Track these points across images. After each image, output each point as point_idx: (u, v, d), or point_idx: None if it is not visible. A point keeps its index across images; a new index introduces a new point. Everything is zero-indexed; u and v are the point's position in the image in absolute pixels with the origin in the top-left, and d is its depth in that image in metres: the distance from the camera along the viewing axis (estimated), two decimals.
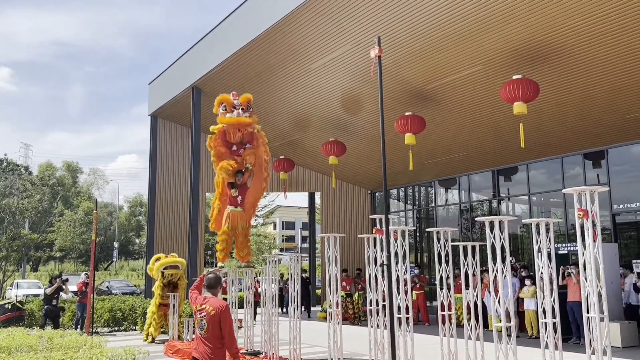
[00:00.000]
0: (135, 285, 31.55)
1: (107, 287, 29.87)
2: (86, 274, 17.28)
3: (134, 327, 15.71)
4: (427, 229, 9.67)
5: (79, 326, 15.23)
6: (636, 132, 13.72)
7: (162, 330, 13.71)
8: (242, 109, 10.29)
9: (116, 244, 53.34)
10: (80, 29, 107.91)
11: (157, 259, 13.89)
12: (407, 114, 13.11)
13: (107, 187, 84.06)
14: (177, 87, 17.22)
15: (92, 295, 14.17)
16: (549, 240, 6.02)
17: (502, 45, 10.72)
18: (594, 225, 5.27)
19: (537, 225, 6.09)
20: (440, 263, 7.51)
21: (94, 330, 14.02)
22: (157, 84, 19.35)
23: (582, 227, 5.38)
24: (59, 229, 50.27)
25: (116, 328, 15.89)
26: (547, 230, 6.05)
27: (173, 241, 19.42)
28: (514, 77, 10.74)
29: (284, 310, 19.88)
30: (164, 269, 13.48)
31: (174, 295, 13.06)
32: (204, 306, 5.10)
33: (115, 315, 15.77)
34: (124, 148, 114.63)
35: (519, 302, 13.27)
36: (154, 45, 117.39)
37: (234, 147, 10.53)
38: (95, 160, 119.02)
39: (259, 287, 16.33)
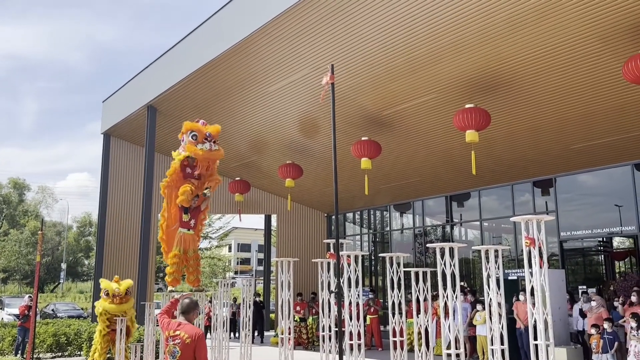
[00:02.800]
0: (82, 309, 30.43)
1: (53, 310, 28.67)
2: (30, 296, 16.52)
3: (78, 353, 15.09)
4: (381, 254, 9.72)
5: (19, 352, 14.51)
6: (582, 162, 14.27)
7: (108, 356, 13.18)
8: (214, 141, 9.76)
9: (64, 265, 51.45)
10: (36, 42, 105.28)
11: (105, 290, 12.80)
12: (363, 138, 13.25)
13: (56, 206, 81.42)
14: (132, 105, 16.93)
15: (34, 318, 13.55)
16: (498, 267, 6.13)
17: (454, 75, 11.01)
18: (540, 252, 5.40)
19: (487, 252, 6.20)
20: (392, 288, 7.54)
21: (35, 357, 13.39)
22: (112, 101, 18.98)
23: (529, 254, 5.50)
24: (3, 249, 48.21)
25: (60, 354, 15.22)
26: (496, 257, 6.16)
27: (123, 263, 18.87)
28: (467, 106, 11.02)
29: (236, 335, 19.51)
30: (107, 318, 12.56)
31: (122, 320, 12.59)
32: (178, 332, 4.79)
33: (59, 340, 15.12)
34: (75, 166, 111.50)
35: (471, 327, 13.42)
36: (111, 62, 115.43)
37: (188, 170, 10.04)
38: (45, 178, 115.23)
39: (210, 311, 15.99)
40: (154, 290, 21.56)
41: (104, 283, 12.16)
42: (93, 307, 18.92)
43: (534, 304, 5.53)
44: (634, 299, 11.72)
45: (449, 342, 6.29)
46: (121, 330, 12.35)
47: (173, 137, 17.56)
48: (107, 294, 11.67)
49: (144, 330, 13.46)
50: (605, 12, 8.63)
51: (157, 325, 9.46)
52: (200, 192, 9.85)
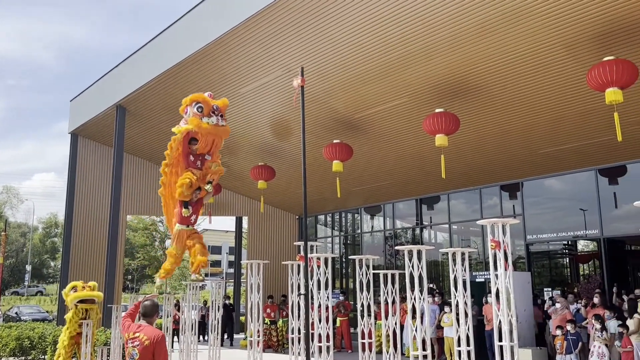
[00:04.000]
0: (47, 312, 29.78)
1: (17, 313, 27.99)
2: None
3: (42, 357, 14.75)
4: (350, 256, 9.76)
5: None
6: (548, 167, 14.58)
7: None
8: (221, 115, 8.71)
9: (29, 267, 50.24)
10: (5, 40, 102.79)
11: (74, 288, 12.97)
12: (335, 141, 13.31)
13: (22, 207, 79.38)
14: (100, 105, 16.66)
15: None
16: (465, 270, 6.23)
17: (425, 80, 11.15)
18: (505, 255, 5.51)
19: (454, 255, 6.29)
20: (362, 291, 7.59)
21: None
22: (80, 100, 18.64)
23: (494, 257, 5.60)
24: None
25: (23, 358, 14.85)
26: (463, 260, 6.26)
27: (90, 265, 18.54)
28: (436, 110, 11.15)
29: (206, 338, 19.35)
30: (79, 302, 12.59)
31: (87, 323, 12.38)
32: (137, 335, 4.70)
33: (22, 344, 14.76)
34: (42, 165, 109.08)
35: (439, 328, 13.57)
36: (83, 61, 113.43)
37: (192, 157, 8.99)
38: (10, 178, 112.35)
39: (178, 314, 15.79)
40: (122, 292, 21.24)
41: (69, 285, 12.11)
42: (59, 309, 18.55)
43: (499, 306, 5.63)
44: (596, 300, 12.02)
45: (415, 344, 6.36)
46: (86, 334, 12.17)
47: (142, 137, 17.42)
48: (76, 290, 11.69)
49: (110, 333, 13.25)
50: (571, 21, 8.85)
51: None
52: (202, 184, 8.93)
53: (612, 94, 8.74)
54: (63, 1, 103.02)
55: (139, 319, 4.97)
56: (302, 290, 7.30)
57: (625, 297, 12.25)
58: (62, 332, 13.30)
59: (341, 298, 16.93)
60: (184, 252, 9.11)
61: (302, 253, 7.88)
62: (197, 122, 8.34)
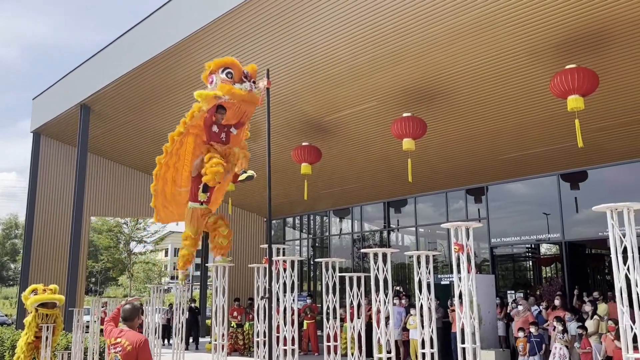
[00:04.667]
0: (6, 315, 28.93)
1: None
2: None
3: None
4: (317, 259, 9.76)
5: None
6: (512, 171, 14.86)
7: None
8: (254, 82, 7.69)
9: None
10: None
11: (34, 291, 12.57)
12: (304, 144, 13.29)
13: None
14: (64, 104, 16.29)
15: None
16: (429, 273, 6.28)
17: (393, 85, 11.24)
18: (468, 258, 5.57)
19: (419, 257, 6.35)
20: (327, 293, 7.58)
21: None
22: (43, 99, 18.20)
23: (458, 260, 5.67)
24: None
25: None
26: (428, 263, 6.31)
27: (52, 267, 18.08)
28: (404, 114, 11.25)
29: (171, 341, 19.06)
30: (39, 305, 12.21)
31: (47, 327, 12.05)
32: (119, 340, 4.60)
33: None
34: (2, 165, 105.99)
35: (405, 331, 13.67)
36: (47, 59, 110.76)
37: (215, 128, 7.81)
38: None
39: (141, 318, 15.48)
40: (84, 295, 20.78)
41: (29, 288, 11.76)
42: (18, 313, 18.02)
43: (462, 309, 5.69)
44: (557, 302, 12.29)
45: (380, 347, 6.39)
46: (47, 337, 11.85)
47: (107, 137, 17.09)
48: (36, 293, 11.32)
49: (72, 337, 12.94)
50: (536, 29, 9.04)
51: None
52: (229, 167, 7.91)
53: (574, 101, 8.95)
54: None
55: (121, 323, 4.87)
56: (266, 294, 7.24)
57: (585, 299, 12.55)
58: (20, 337, 12.95)
59: (308, 301, 16.90)
60: (201, 233, 8.20)
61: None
62: (229, 89, 7.29)
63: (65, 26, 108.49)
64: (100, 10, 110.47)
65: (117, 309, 5.13)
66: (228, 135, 7.96)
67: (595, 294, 12.47)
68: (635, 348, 4.67)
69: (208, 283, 24.85)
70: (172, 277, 53.61)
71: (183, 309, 9.58)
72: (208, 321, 22.57)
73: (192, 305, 19.73)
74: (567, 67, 9.04)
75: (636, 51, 9.18)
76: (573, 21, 8.69)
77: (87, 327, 13.95)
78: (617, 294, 4.63)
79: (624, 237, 4.62)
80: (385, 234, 18.86)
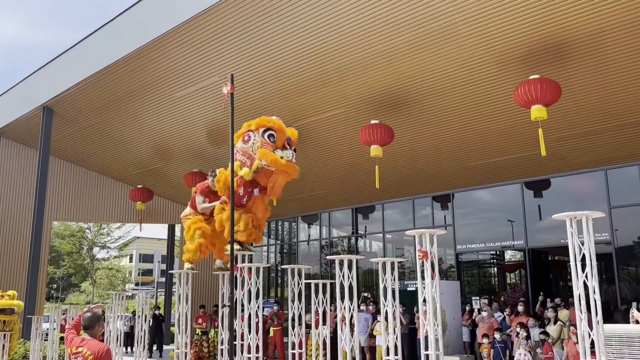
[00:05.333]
0: None
1: None
2: None
3: None
4: (282, 266, 9.70)
5: None
6: (477, 179, 15.08)
7: None
8: (294, 150, 7.13)
9: None
10: None
11: None
12: None
13: None
14: (26, 105, 15.86)
15: None
16: (395, 279, 6.30)
17: (361, 92, 11.29)
18: (432, 265, 5.61)
19: (384, 264, 6.36)
20: (294, 300, 7.53)
21: None
22: (3, 100, 17.68)
23: (422, 266, 5.69)
24: None
25: None
26: (393, 270, 6.33)
27: (11, 273, 17.53)
28: (372, 121, 11.31)
29: (134, 349, 18.70)
30: None
31: (4, 335, 11.69)
32: (80, 349, 4.44)
33: None
34: None
35: (372, 337, 13.69)
36: (9, 59, 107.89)
37: (241, 191, 7.22)
38: None
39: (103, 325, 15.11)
40: (44, 301, 20.24)
41: None
42: None
43: (426, 315, 5.72)
44: (520, 309, 12.48)
45: (345, 354, 6.37)
46: (3, 345, 11.51)
47: (70, 140, 16.72)
48: None
49: (30, 345, 12.58)
50: (500, 40, 9.21)
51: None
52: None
53: (537, 111, 9.15)
54: None
55: (82, 332, 4.71)
56: (227, 301, 7.15)
57: (548, 305, 12.78)
58: None
59: (275, 308, 16.78)
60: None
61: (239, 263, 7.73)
62: (272, 157, 6.62)
63: (26, 26, 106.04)
64: (65, 9, 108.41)
65: (78, 317, 4.97)
66: (250, 197, 7.33)
67: (557, 300, 12.71)
68: (593, 353, 4.76)
69: (173, 290, 24.48)
70: (137, 284, 52.69)
71: (146, 316, 9.39)
72: (173, 328, 22.23)
73: (157, 312, 19.40)
74: (531, 77, 9.23)
75: (597, 63, 9.43)
76: (536, 33, 8.88)
77: (47, 335, 13.58)
78: (576, 300, 4.72)
79: (583, 245, 4.71)
80: (353, 240, 18.90)
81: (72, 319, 10.70)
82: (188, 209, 8.55)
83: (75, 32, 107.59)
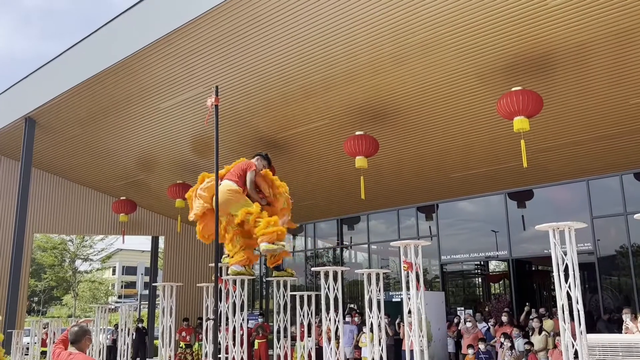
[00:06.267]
0: None
1: None
2: None
3: None
4: (267, 278, 9.65)
5: None
6: (461, 190, 15.19)
7: None
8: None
9: None
10: None
11: None
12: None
13: None
14: (7, 116, 15.67)
15: None
16: (380, 290, 6.30)
17: (346, 103, 11.34)
18: (417, 276, 5.62)
19: (369, 275, 6.36)
20: (279, 313, 7.48)
21: None
22: None
23: (407, 277, 5.70)
24: None
25: None
26: (378, 281, 6.33)
27: None
28: (357, 133, 11.36)
29: None
30: None
31: None
32: None
33: None
34: None
35: (358, 349, 13.65)
36: None
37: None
38: None
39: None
40: (25, 315, 19.89)
41: None
42: None
43: (411, 326, 5.72)
44: (504, 319, 12.54)
45: None
46: None
47: (53, 151, 16.55)
48: None
49: None
50: (482, 53, 9.32)
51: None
52: None
53: (520, 123, 9.25)
54: None
55: (69, 346, 4.63)
56: (211, 314, 7.09)
57: (532, 316, 12.84)
58: None
59: (260, 320, 16.67)
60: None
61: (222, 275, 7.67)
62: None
63: (6, 35, 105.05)
64: (41, 19, 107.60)
65: (67, 331, 4.91)
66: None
67: (542, 310, 12.80)
68: None
69: (157, 302, 24.21)
70: (120, 297, 52.01)
71: (129, 329, 9.27)
72: (156, 341, 21.95)
73: (140, 325, 19.16)
74: (513, 89, 9.34)
75: (578, 75, 9.58)
76: (518, 45, 9.01)
77: (27, 349, 13.32)
78: (559, 311, 4.75)
79: (566, 255, 4.76)
80: (338, 251, 18.88)
81: (54, 333, 10.55)
82: (235, 185, 7.29)
83: (52, 42, 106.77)
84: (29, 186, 14.92)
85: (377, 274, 6.27)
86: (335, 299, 6.14)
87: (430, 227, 16.41)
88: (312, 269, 9.60)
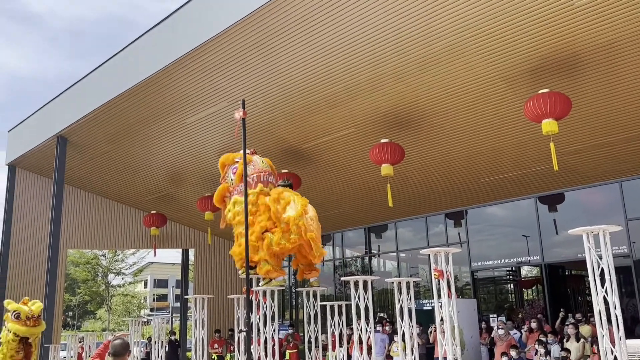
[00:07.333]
0: None
1: None
2: None
3: None
4: (297, 289, 9.65)
5: None
6: (490, 195, 14.99)
7: None
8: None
9: None
10: None
11: (16, 313, 10.93)
12: (283, 171, 13.28)
13: None
14: (40, 135, 16.09)
15: None
16: (410, 299, 6.25)
17: (370, 111, 11.33)
18: (448, 284, 5.56)
19: (399, 284, 6.31)
20: (309, 323, 7.48)
21: None
22: (18, 131, 17.96)
23: (438, 285, 5.65)
24: None
25: None
26: (409, 289, 6.28)
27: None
28: (382, 140, 11.34)
29: None
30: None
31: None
32: None
33: None
34: None
35: (389, 358, 13.52)
36: (20, 89, 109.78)
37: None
38: None
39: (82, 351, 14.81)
40: (61, 328, 20.26)
41: (11, 305, 10.57)
42: None
43: (444, 335, 5.65)
44: (533, 325, 12.30)
45: None
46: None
47: (84, 168, 16.91)
48: (18, 317, 10.20)
49: None
50: (508, 56, 9.23)
51: None
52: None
53: (548, 125, 9.11)
54: None
55: None
56: (243, 326, 7.12)
57: (568, 322, 12.56)
58: None
59: (290, 330, 16.67)
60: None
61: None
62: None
63: (37, 56, 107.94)
64: (73, 40, 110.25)
65: (103, 345, 4.98)
66: None
67: (578, 315, 12.52)
68: None
69: (188, 315, 24.43)
70: (152, 309, 52.61)
71: (162, 342, 9.37)
72: (189, 353, 22.12)
73: (172, 337, 19.34)
74: (540, 91, 9.22)
75: (607, 74, 9.41)
76: (545, 47, 8.89)
77: None
78: (596, 316, 4.64)
79: (601, 260, 4.66)
80: (366, 259, 18.79)
81: (89, 347, 10.71)
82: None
83: (81, 62, 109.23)
84: (62, 203, 15.25)
85: (408, 283, 6.22)
86: (366, 308, 6.11)
87: (459, 233, 16.22)
88: (342, 278, 9.60)
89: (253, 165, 8.32)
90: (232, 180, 8.47)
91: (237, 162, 8.45)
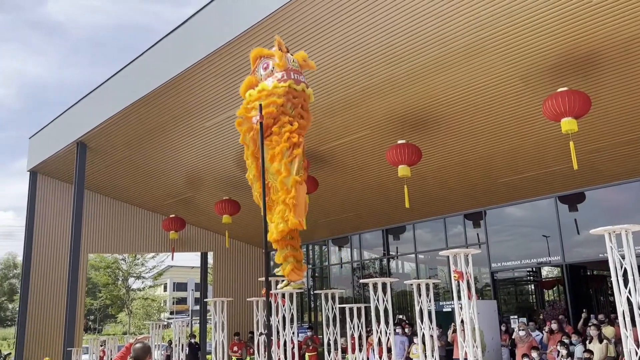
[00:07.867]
0: (4, 357, 28.42)
1: None
2: None
3: None
4: (316, 291, 9.66)
5: None
6: (509, 195, 14.85)
7: None
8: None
9: None
10: None
11: None
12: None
13: None
14: (60, 141, 16.33)
15: None
16: (430, 301, 6.22)
17: (387, 112, 11.30)
18: (468, 285, 5.52)
19: (419, 286, 6.28)
20: (328, 325, 7.48)
21: None
22: (39, 138, 18.25)
23: (458, 287, 5.61)
24: None
25: None
26: (428, 291, 6.25)
27: (50, 306, 17.87)
28: (399, 141, 11.29)
29: None
30: None
31: None
32: None
33: None
34: (0, 204, 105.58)
35: None
36: (41, 97, 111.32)
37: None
38: None
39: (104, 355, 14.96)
40: (83, 332, 20.51)
41: None
42: (16, 353, 17.73)
43: (464, 336, 5.62)
44: (554, 326, 12.14)
45: None
46: None
47: (104, 174, 17.12)
48: None
49: None
50: (526, 54, 9.14)
51: None
52: None
53: (567, 124, 9.00)
54: (18, 36, 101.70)
55: None
56: (263, 329, 7.14)
57: (590, 322, 12.37)
58: None
59: (309, 333, 16.67)
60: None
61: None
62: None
63: (58, 64, 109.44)
64: (93, 49, 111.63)
65: (125, 348, 5.01)
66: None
67: (601, 316, 12.33)
68: None
69: (208, 317, 24.55)
70: (172, 313, 52.97)
71: (182, 345, 9.43)
72: (209, 356, 22.22)
73: (192, 340, 19.44)
74: (559, 90, 9.11)
75: (626, 72, 9.27)
76: (563, 45, 8.79)
77: None
78: (620, 317, 4.58)
79: (624, 259, 4.59)
80: (385, 261, 18.73)
81: (111, 350, 10.82)
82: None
83: (101, 69, 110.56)
84: (83, 208, 15.44)
85: (427, 284, 6.19)
86: (385, 310, 6.09)
87: (478, 234, 16.09)
88: (361, 280, 9.58)
89: (282, 61, 7.93)
90: (261, 75, 8.25)
91: (269, 58, 8.14)
